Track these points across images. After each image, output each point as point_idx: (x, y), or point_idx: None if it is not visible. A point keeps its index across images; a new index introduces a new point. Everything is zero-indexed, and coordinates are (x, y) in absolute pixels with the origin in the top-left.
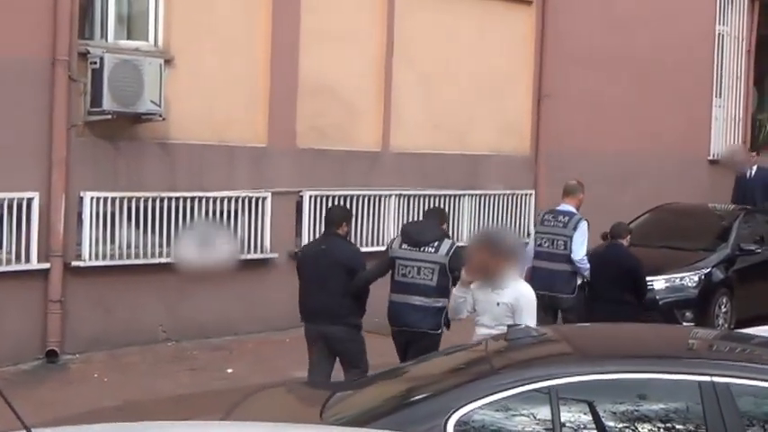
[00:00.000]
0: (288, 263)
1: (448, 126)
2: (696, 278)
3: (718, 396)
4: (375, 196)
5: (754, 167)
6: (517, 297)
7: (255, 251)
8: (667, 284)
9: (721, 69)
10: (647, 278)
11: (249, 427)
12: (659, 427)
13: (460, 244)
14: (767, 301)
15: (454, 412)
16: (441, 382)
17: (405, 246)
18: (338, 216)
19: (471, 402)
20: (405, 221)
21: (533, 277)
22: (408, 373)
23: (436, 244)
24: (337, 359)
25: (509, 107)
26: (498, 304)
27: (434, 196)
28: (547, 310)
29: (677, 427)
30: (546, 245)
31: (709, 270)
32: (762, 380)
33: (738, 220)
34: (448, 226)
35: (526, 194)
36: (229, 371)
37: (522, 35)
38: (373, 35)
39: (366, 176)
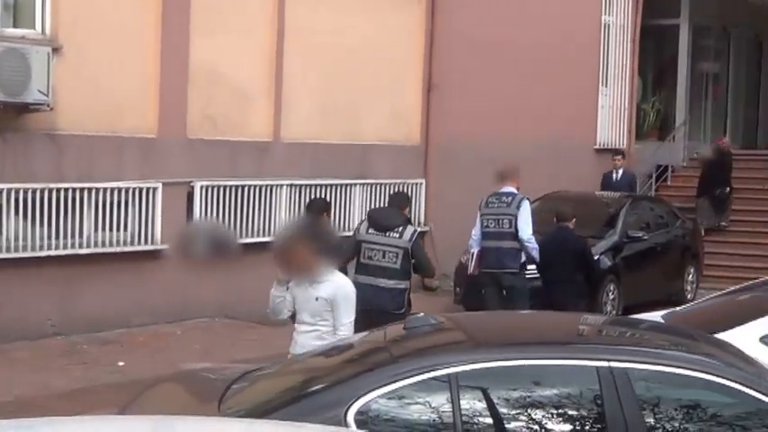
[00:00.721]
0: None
1: (339, 116)
2: None
3: (616, 381)
4: (267, 186)
5: (620, 170)
6: (335, 290)
7: (146, 242)
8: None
9: (607, 59)
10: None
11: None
12: (558, 413)
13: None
14: (653, 288)
15: (354, 402)
16: (340, 372)
17: (371, 230)
18: (319, 207)
19: (371, 391)
20: (296, 211)
21: (483, 257)
22: (307, 364)
23: (400, 229)
24: None
25: (399, 97)
26: (317, 299)
27: (326, 186)
28: (493, 287)
29: (576, 412)
30: (492, 225)
31: (597, 257)
32: (658, 364)
33: (625, 207)
34: (331, 215)
35: (416, 183)
36: (121, 364)
37: (412, 25)
38: (264, 24)
39: (257, 166)
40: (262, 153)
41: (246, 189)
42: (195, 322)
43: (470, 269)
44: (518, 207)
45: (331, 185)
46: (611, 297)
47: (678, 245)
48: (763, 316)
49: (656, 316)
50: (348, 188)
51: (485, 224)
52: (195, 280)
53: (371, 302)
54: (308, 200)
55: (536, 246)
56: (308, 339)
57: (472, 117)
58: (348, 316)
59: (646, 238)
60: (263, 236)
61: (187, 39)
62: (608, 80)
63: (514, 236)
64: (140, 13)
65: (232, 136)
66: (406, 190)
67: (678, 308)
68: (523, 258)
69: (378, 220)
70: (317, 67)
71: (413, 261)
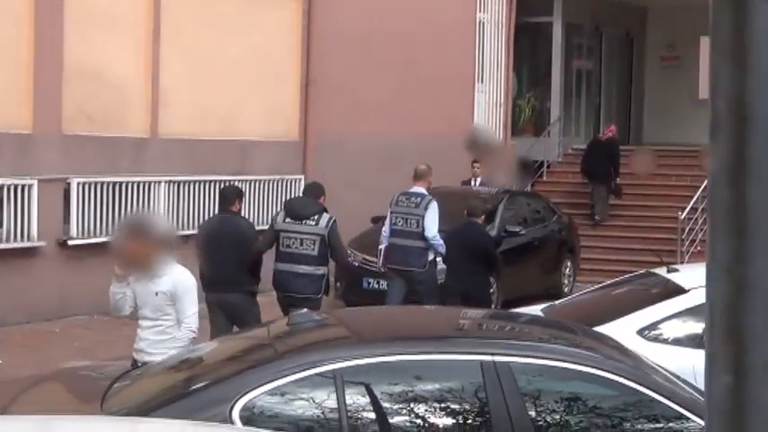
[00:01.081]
0: (56, 250)
1: (217, 112)
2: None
3: (499, 375)
4: (144, 183)
5: (479, 178)
6: (175, 284)
7: (21, 239)
8: (438, 267)
9: (482, 56)
10: None
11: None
12: (443, 407)
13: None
14: (532, 282)
15: (239, 398)
16: (224, 369)
17: (288, 219)
18: (231, 194)
19: (256, 388)
20: (175, 208)
21: (389, 253)
22: (191, 361)
23: (316, 217)
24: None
25: (277, 93)
26: (157, 294)
27: (204, 182)
28: (398, 282)
29: (461, 406)
30: (400, 223)
31: None
32: (541, 358)
33: (503, 203)
34: (242, 204)
35: (295, 179)
36: None
37: (289, 21)
38: (140, 18)
39: (135, 163)
40: (139, 149)
41: (124, 186)
42: (73, 320)
43: (378, 264)
44: (425, 208)
45: (209, 182)
46: (491, 291)
47: (555, 239)
48: (640, 309)
49: (535, 310)
50: (227, 184)
51: (393, 222)
52: (72, 277)
53: (291, 288)
54: (192, 196)
55: (441, 242)
56: (150, 335)
57: (350, 112)
58: (191, 308)
59: (523, 233)
60: None
61: (61, 33)
62: (484, 76)
63: (421, 235)
64: (11, 7)
65: (109, 132)
66: (284, 186)
67: (557, 301)
68: (431, 256)
69: (294, 210)
70: (194, 62)
71: (329, 247)
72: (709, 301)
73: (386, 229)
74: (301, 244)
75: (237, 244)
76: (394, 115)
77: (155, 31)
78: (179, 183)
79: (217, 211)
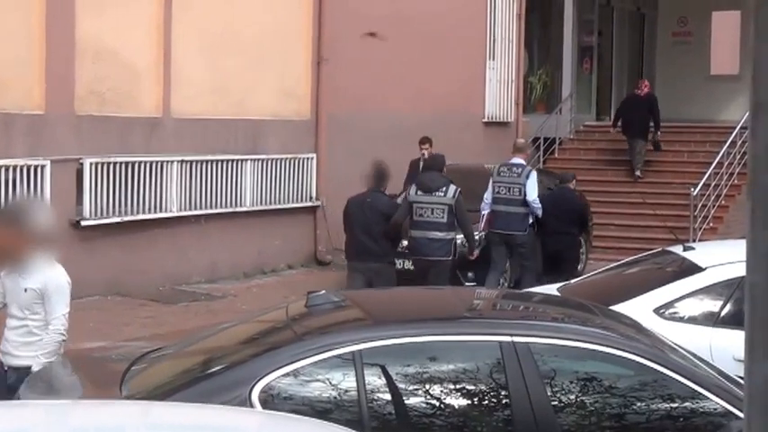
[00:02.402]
0: (69, 231)
1: (229, 91)
2: (477, 238)
3: (519, 355)
4: (157, 162)
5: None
6: (45, 282)
7: None
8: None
9: (494, 32)
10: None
11: (41, 406)
12: (462, 388)
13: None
14: (544, 259)
15: (259, 381)
16: (243, 351)
17: (419, 192)
18: (380, 173)
19: (275, 370)
20: (187, 187)
21: (493, 219)
22: (210, 343)
23: (444, 189)
24: None
25: (289, 71)
26: (26, 290)
27: (217, 161)
28: (503, 246)
29: (480, 387)
30: (503, 192)
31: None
32: (560, 338)
33: None
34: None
35: (307, 158)
36: None
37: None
38: None
39: (147, 142)
40: (151, 129)
41: (137, 165)
42: (87, 301)
43: (480, 228)
44: (527, 177)
45: (222, 161)
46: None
47: None
48: (656, 288)
49: (551, 289)
50: (239, 164)
51: (496, 190)
52: (85, 258)
53: (425, 252)
54: (199, 175)
55: (540, 206)
56: (16, 336)
57: (362, 91)
58: (61, 308)
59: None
60: (155, 212)
61: (73, 13)
62: (495, 53)
63: (522, 202)
64: None
65: (121, 112)
66: (297, 165)
67: (572, 280)
68: (531, 220)
69: (425, 183)
70: (206, 42)
71: (455, 215)
72: (749, 289)
73: (488, 197)
74: (432, 213)
75: (382, 219)
76: (405, 93)
77: (166, 11)
78: (192, 162)
79: (367, 189)
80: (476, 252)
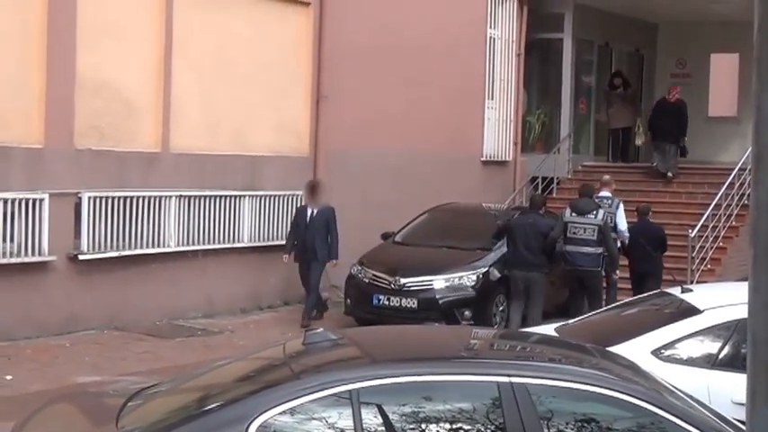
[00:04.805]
0: (67, 265)
1: (227, 127)
2: (474, 277)
3: (517, 396)
4: (155, 197)
5: (315, 209)
6: None
7: (32, 254)
8: (447, 284)
9: (493, 72)
10: (427, 277)
11: None
12: (459, 429)
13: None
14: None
15: (255, 418)
16: (240, 388)
17: (573, 214)
18: (539, 201)
19: (272, 408)
20: (185, 223)
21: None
22: (207, 380)
23: (595, 212)
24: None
25: (288, 108)
26: None
27: (215, 197)
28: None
29: (478, 428)
30: (579, 233)
31: (487, 269)
32: (558, 379)
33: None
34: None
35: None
36: (9, 378)
37: (299, 36)
38: (152, 32)
39: (146, 177)
40: (150, 164)
41: (135, 200)
42: (84, 334)
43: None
44: (616, 207)
45: (220, 197)
46: (501, 309)
47: None
48: (654, 329)
49: (549, 329)
50: (237, 199)
51: (572, 231)
52: (82, 292)
53: (579, 263)
54: (197, 210)
55: (628, 234)
56: None
57: (361, 128)
58: None
59: None
60: (152, 247)
61: (73, 48)
62: (494, 93)
63: (597, 242)
64: (24, 20)
65: (120, 146)
66: (294, 201)
67: (570, 320)
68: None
69: (579, 207)
70: (206, 77)
71: (603, 234)
72: (751, 336)
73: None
74: (584, 232)
75: (539, 236)
76: (404, 131)
77: (166, 46)
78: (190, 198)
79: (527, 211)
80: (617, 273)
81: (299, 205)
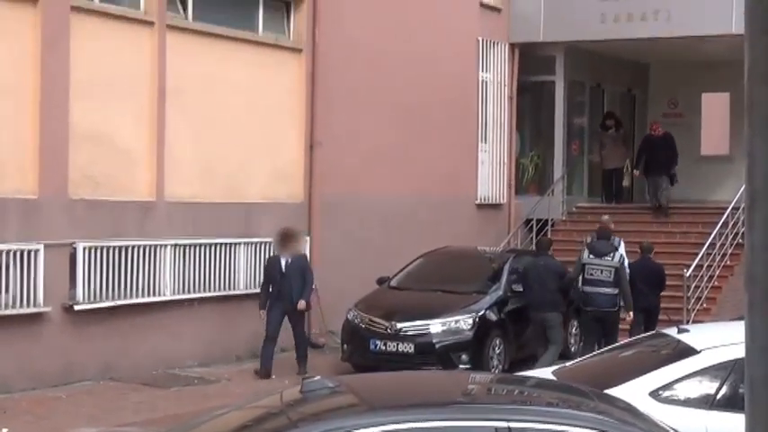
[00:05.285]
0: (62, 316)
1: (221, 174)
2: (471, 321)
3: None
4: (150, 246)
5: (289, 258)
6: None
7: (27, 305)
8: (443, 328)
9: (486, 115)
10: (423, 321)
11: None
12: None
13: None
14: (539, 343)
15: None
16: None
17: (591, 256)
18: (546, 243)
19: None
20: (180, 271)
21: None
22: (204, 429)
23: (612, 254)
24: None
25: (282, 154)
26: None
27: (210, 245)
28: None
29: None
30: (596, 274)
31: (482, 312)
32: (555, 423)
33: (508, 262)
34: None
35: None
36: (5, 431)
37: (292, 82)
38: (144, 81)
39: (140, 226)
40: (145, 213)
41: (130, 249)
42: (80, 386)
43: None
44: (618, 244)
45: (215, 244)
46: (498, 352)
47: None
48: (651, 371)
49: (546, 372)
50: (232, 247)
51: (589, 272)
52: (78, 342)
53: (596, 304)
54: (193, 258)
55: (628, 270)
56: None
57: (356, 173)
58: None
59: None
60: (148, 296)
61: (67, 98)
62: (487, 136)
63: (614, 283)
64: (18, 72)
65: (114, 196)
66: None
67: (567, 363)
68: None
69: (596, 249)
70: (199, 125)
71: (619, 276)
72: (748, 382)
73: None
74: (601, 273)
75: (556, 276)
76: (398, 176)
77: (159, 94)
78: (185, 246)
79: (538, 254)
80: (630, 314)
81: (269, 255)
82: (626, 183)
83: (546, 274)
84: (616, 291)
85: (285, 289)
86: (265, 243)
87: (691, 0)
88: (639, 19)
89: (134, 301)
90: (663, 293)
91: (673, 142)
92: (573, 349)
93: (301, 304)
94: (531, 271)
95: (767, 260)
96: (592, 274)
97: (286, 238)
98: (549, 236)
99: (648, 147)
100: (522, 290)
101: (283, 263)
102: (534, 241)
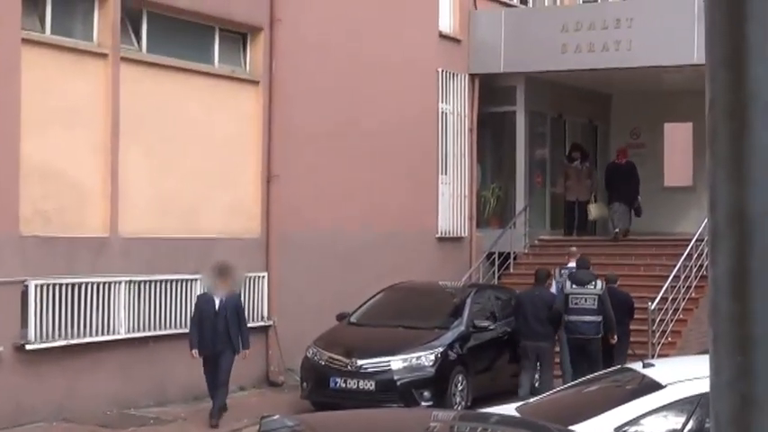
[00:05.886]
0: (13, 356)
1: (177, 209)
2: (432, 357)
3: None
4: (104, 283)
5: (224, 297)
6: None
7: None
8: (405, 364)
9: (446, 147)
10: (384, 358)
11: None
12: None
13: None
14: (502, 378)
15: None
16: None
17: (574, 285)
18: (543, 275)
19: None
20: (136, 308)
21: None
22: None
23: (594, 283)
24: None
25: (239, 188)
26: None
27: (166, 281)
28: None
29: None
30: (581, 302)
31: (444, 348)
32: None
33: (470, 297)
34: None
35: (258, 277)
36: None
37: (250, 115)
38: (98, 114)
39: (94, 263)
40: (98, 249)
41: (83, 287)
42: (32, 427)
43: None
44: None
45: (171, 281)
46: (460, 388)
47: None
48: (616, 406)
49: (509, 409)
50: (189, 283)
51: (574, 302)
52: (30, 383)
53: (580, 331)
54: (148, 295)
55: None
56: None
57: (314, 207)
58: None
59: (492, 327)
60: (102, 335)
61: (18, 132)
62: (447, 168)
63: (597, 311)
64: None
65: (67, 232)
66: (248, 283)
67: (531, 399)
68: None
69: (578, 278)
70: (154, 159)
71: (602, 303)
72: (713, 418)
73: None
74: (585, 301)
75: (547, 308)
76: (358, 209)
77: (113, 127)
78: (140, 283)
79: (534, 285)
80: (615, 337)
81: (199, 292)
82: (591, 215)
83: (540, 305)
84: (599, 318)
85: (220, 330)
86: None
87: (652, 30)
88: (601, 49)
89: (88, 339)
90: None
91: (635, 171)
92: (537, 384)
93: (244, 354)
94: (525, 302)
95: (731, 294)
96: (576, 303)
97: (221, 273)
98: (511, 269)
99: (611, 174)
100: (514, 320)
101: (217, 302)
102: (496, 275)
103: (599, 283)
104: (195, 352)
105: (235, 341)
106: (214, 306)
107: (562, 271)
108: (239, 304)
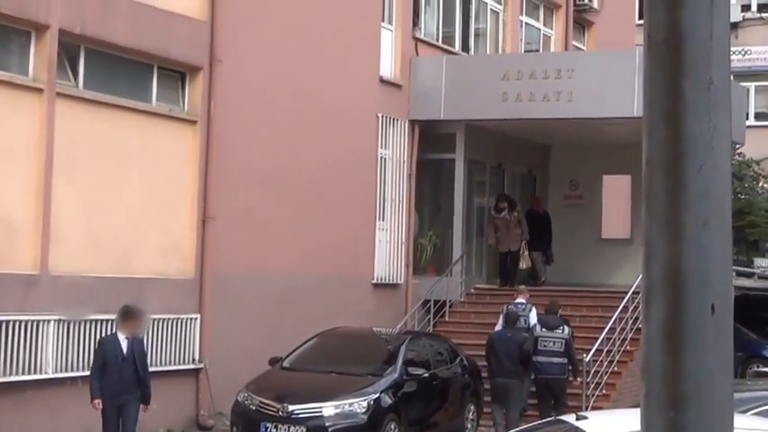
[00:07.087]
0: None
1: (110, 248)
2: (365, 404)
3: None
4: (32, 322)
5: (129, 339)
6: None
7: None
8: (337, 411)
9: (384, 192)
10: (316, 404)
11: None
12: None
13: None
14: (435, 426)
15: None
16: None
17: (543, 330)
18: (514, 317)
19: None
20: (64, 348)
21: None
22: None
23: (562, 327)
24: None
25: (173, 229)
26: None
27: (96, 321)
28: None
29: None
30: (549, 345)
31: (377, 395)
32: None
33: (404, 344)
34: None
35: (191, 319)
36: None
37: (186, 154)
38: (32, 150)
39: (23, 301)
40: (27, 287)
41: (10, 325)
42: None
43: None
44: (529, 311)
45: (101, 321)
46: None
47: (458, 382)
48: None
49: None
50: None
51: (543, 344)
52: None
53: (549, 372)
54: (77, 335)
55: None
56: None
57: (250, 250)
58: None
59: (426, 375)
60: (28, 374)
61: None
62: (385, 214)
63: (564, 353)
64: None
65: None
66: (179, 326)
67: None
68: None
69: (548, 323)
70: (88, 196)
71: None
72: None
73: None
74: (554, 344)
75: (518, 348)
76: (294, 253)
77: (47, 164)
78: (69, 322)
79: (505, 327)
80: (579, 380)
81: (103, 335)
82: (523, 266)
83: (512, 346)
84: (565, 360)
85: (126, 376)
86: (154, 320)
87: (593, 83)
88: (541, 99)
89: (13, 378)
90: None
91: (549, 220)
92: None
93: (151, 408)
94: (497, 342)
95: (664, 350)
96: (545, 346)
97: (127, 316)
98: (446, 318)
99: (532, 222)
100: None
101: (125, 346)
102: (432, 323)
103: (566, 328)
104: (98, 402)
105: (145, 390)
106: (121, 350)
107: (509, 308)
108: (144, 352)
